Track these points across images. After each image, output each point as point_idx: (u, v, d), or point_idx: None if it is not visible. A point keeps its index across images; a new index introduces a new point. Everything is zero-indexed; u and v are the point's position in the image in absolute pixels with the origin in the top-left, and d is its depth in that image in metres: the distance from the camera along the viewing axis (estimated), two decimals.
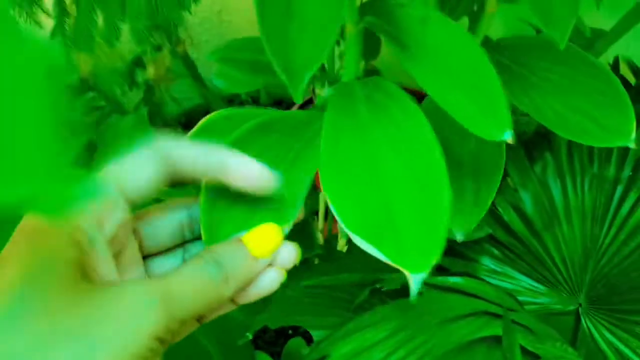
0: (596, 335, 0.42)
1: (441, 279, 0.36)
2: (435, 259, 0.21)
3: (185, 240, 0.25)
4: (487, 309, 0.33)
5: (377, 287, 0.38)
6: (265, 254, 0.23)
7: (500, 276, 0.43)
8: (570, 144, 0.41)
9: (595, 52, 0.45)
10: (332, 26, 0.24)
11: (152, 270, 0.24)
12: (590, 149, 0.41)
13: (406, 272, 0.21)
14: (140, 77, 0.70)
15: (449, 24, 0.26)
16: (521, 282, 0.43)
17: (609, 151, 0.41)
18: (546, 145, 0.41)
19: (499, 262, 0.43)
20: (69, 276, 0.18)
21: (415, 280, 0.21)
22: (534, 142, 0.41)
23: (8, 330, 0.16)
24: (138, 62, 0.68)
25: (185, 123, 0.73)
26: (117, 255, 0.21)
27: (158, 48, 0.63)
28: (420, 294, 0.37)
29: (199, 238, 0.25)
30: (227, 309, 0.24)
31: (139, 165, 0.21)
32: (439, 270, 0.40)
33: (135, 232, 0.23)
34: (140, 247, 0.24)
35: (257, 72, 0.40)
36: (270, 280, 0.23)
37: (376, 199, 0.23)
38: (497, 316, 0.33)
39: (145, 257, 0.24)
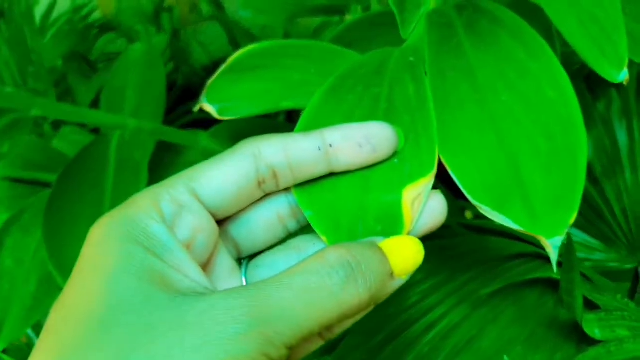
0: None
1: (482, 222, 0.32)
2: (572, 218, 0.18)
3: (291, 234, 0.22)
4: (538, 252, 0.29)
5: None
6: (405, 272, 0.18)
7: None
8: None
9: None
10: None
11: (258, 276, 0.21)
12: None
13: (541, 239, 0.18)
14: (166, 23, 0.67)
15: None
16: (574, 237, 0.38)
17: None
18: None
19: None
20: (145, 288, 0.16)
21: (554, 246, 0.18)
22: (597, 76, 0.36)
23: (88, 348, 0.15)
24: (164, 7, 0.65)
25: (213, 70, 0.70)
26: (204, 267, 0.19)
27: None
28: (460, 235, 0.33)
29: (307, 227, 0.21)
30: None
31: (222, 167, 0.19)
32: (479, 217, 0.36)
33: (227, 237, 0.20)
34: (238, 253, 0.21)
35: None
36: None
37: (500, 161, 0.19)
38: (550, 260, 0.29)
39: (252, 258, 0.21)
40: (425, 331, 0.25)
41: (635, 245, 0.38)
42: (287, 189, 0.20)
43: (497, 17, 0.21)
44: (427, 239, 0.33)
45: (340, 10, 0.45)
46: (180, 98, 0.69)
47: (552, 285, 0.27)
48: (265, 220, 0.21)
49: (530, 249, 0.29)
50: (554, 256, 0.17)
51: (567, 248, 0.24)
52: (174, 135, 0.34)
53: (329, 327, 0.19)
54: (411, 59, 0.22)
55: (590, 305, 0.27)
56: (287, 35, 0.64)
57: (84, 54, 0.61)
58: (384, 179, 0.19)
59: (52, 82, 0.58)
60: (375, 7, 0.41)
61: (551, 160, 0.19)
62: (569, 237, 0.25)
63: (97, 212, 0.29)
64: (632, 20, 0.29)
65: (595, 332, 0.25)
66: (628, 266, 0.38)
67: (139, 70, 0.41)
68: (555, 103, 0.19)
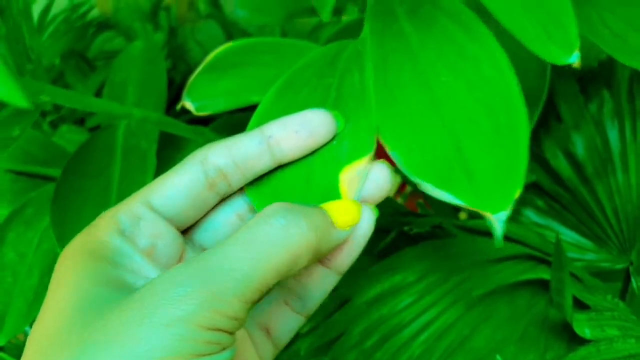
0: None
1: (476, 222, 0.32)
2: (517, 193, 0.18)
3: None
4: (531, 254, 0.29)
5: (404, 230, 0.34)
6: (345, 224, 0.20)
7: (544, 229, 0.39)
8: (632, 81, 0.36)
9: None
10: None
11: None
12: None
13: (487, 214, 0.18)
14: (164, 21, 0.67)
15: None
16: (566, 237, 0.39)
17: None
18: (603, 81, 0.37)
19: (542, 213, 0.39)
20: (103, 291, 0.17)
21: (499, 221, 0.18)
22: (590, 77, 0.37)
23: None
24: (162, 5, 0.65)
25: None
26: None
27: None
28: (453, 236, 0.33)
29: None
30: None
31: (174, 177, 0.20)
32: (473, 217, 0.37)
33: (194, 244, 0.22)
34: None
35: None
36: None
37: (443, 139, 0.20)
38: (542, 261, 0.29)
39: None
40: (419, 332, 0.26)
41: (626, 246, 0.38)
42: (242, 190, 0.22)
43: (437, 3, 0.22)
44: (421, 240, 0.34)
45: (337, 10, 0.46)
46: (178, 96, 0.69)
47: (543, 285, 0.28)
48: (226, 221, 0.22)
49: (523, 250, 0.30)
50: (499, 231, 0.18)
51: (557, 248, 0.24)
52: (178, 127, 0.35)
53: (299, 295, 0.21)
54: (360, 48, 0.22)
55: (581, 305, 0.28)
56: (284, 35, 0.64)
57: (82, 52, 0.61)
58: (324, 161, 0.20)
59: (50, 80, 0.58)
60: None
61: (493, 136, 0.19)
62: (558, 237, 0.26)
63: (104, 198, 0.30)
64: (624, 22, 0.30)
65: (585, 331, 0.26)
66: (619, 266, 0.38)
67: (140, 66, 0.41)
68: (495, 81, 0.20)
